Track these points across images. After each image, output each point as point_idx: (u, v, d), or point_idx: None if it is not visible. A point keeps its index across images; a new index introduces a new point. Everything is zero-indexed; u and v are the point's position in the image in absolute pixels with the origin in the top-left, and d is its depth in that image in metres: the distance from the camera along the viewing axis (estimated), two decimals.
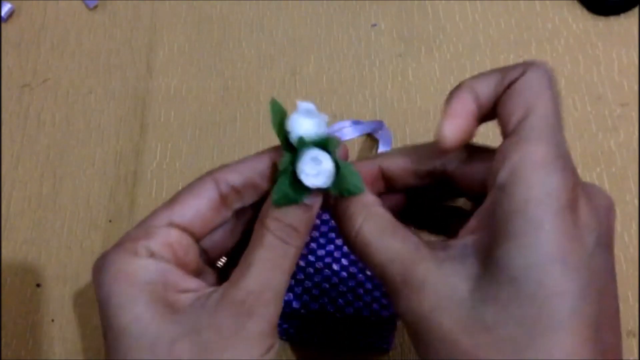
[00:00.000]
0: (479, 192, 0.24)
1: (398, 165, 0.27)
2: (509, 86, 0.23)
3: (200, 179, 0.26)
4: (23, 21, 0.54)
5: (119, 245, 0.24)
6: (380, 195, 0.26)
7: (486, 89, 0.24)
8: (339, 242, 0.37)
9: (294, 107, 0.25)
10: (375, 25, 0.51)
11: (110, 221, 0.45)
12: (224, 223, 0.27)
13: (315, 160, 0.24)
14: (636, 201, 0.42)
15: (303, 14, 0.52)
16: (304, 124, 0.24)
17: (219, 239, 0.27)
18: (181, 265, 0.25)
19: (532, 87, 0.23)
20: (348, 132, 0.46)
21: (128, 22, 0.53)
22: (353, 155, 0.46)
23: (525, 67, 0.23)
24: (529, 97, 0.22)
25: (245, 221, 0.27)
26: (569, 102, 0.46)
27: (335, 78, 0.49)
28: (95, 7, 0.54)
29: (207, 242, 0.27)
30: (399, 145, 0.46)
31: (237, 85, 0.50)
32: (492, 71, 0.24)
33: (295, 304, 0.36)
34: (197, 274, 0.26)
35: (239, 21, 0.52)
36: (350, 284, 0.36)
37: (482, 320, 0.20)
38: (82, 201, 0.46)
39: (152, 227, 0.25)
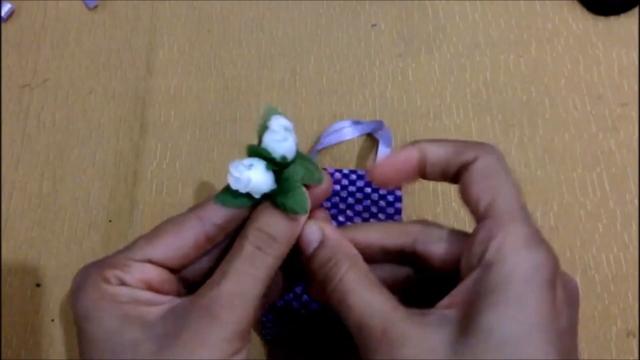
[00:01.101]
0: (447, 271, 0.26)
1: (366, 240, 0.27)
2: (466, 167, 0.25)
3: (186, 216, 0.26)
4: (23, 21, 0.54)
5: (98, 267, 0.25)
6: None
7: (436, 154, 0.26)
8: None
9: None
10: (375, 25, 0.51)
11: (110, 221, 0.45)
12: (204, 255, 0.27)
13: (244, 165, 0.25)
14: (636, 201, 0.42)
15: (303, 14, 0.52)
16: (270, 138, 0.25)
17: (201, 267, 0.28)
18: (156, 292, 0.26)
19: (492, 173, 0.25)
20: (348, 132, 0.46)
21: (128, 22, 0.53)
22: (353, 155, 0.46)
23: (478, 151, 0.25)
24: (493, 183, 0.25)
25: (227, 247, 0.28)
26: (569, 102, 0.46)
27: (335, 78, 0.49)
28: (95, 7, 0.54)
29: (188, 272, 0.27)
30: (399, 145, 0.46)
31: (237, 85, 0.50)
32: (447, 142, 0.26)
33: (295, 304, 0.36)
34: (176, 295, 0.27)
35: (239, 21, 0.52)
36: None
37: None
38: (82, 201, 0.46)
39: (129, 260, 0.25)
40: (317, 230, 0.27)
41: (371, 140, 0.46)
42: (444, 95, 0.48)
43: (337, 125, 0.46)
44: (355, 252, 0.26)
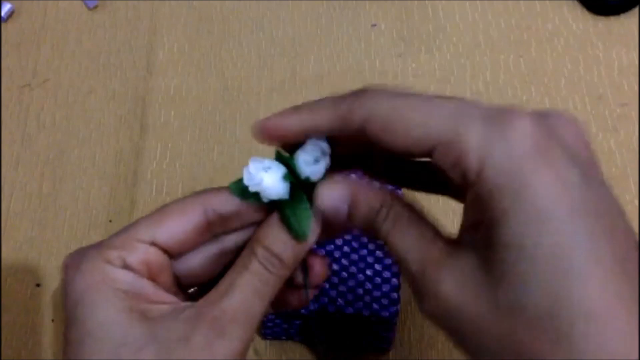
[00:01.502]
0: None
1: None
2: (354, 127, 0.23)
3: (190, 201, 0.26)
4: (23, 21, 0.54)
5: (97, 248, 0.24)
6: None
7: (318, 126, 0.24)
8: (338, 242, 0.37)
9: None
10: (375, 25, 0.51)
11: (110, 221, 0.45)
12: (200, 246, 0.26)
13: (263, 165, 0.24)
14: (636, 201, 0.42)
15: (303, 14, 0.52)
16: (303, 157, 0.24)
17: (194, 268, 0.27)
18: (153, 281, 0.25)
19: (389, 114, 0.22)
20: None
21: (128, 22, 0.53)
22: None
23: (352, 100, 0.23)
24: (399, 113, 0.22)
25: (224, 260, 0.27)
26: (569, 102, 0.46)
27: (335, 78, 0.49)
28: (95, 7, 0.54)
29: (181, 269, 0.27)
30: None
31: (237, 85, 0.50)
32: (324, 109, 0.24)
33: None
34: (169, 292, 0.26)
35: (239, 21, 0.52)
36: (350, 284, 0.36)
37: (506, 300, 0.20)
38: (82, 201, 0.46)
39: (134, 241, 0.24)
40: (343, 195, 0.25)
41: None
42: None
43: None
44: (386, 192, 0.24)
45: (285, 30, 0.52)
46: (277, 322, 0.38)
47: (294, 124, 0.24)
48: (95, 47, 0.52)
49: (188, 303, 0.24)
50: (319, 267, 0.27)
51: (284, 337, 0.39)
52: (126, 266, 0.24)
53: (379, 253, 0.37)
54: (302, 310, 0.36)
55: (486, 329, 0.20)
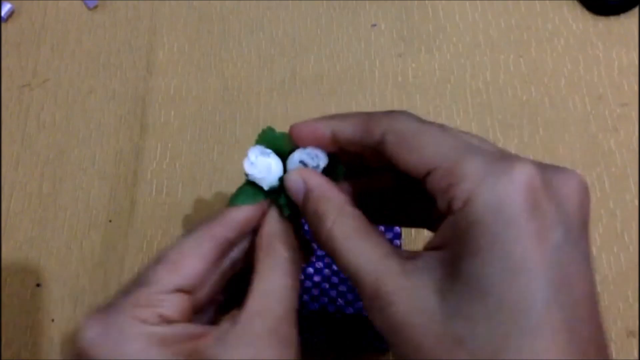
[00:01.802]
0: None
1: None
2: (382, 142, 0.24)
3: (201, 236, 0.26)
4: (23, 21, 0.54)
5: (122, 312, 0.23)
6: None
7: (344, 134, 0.25)
8: None
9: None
10: (375, 25, 0.51)
11: (110, 221, 0.45)
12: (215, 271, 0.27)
13: (263, 153, 0.27)
14: (636, 201, 0.42)
15: (303, 14, 0.52)
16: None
17: (209, 290, 0.27)
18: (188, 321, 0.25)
19: (413, 133, 0.23)
20: None
21: (128, 22, 0.53)
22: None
23: (388, 120, 0.24)
24: (420, 140, 0.23)
25: (233, 270, 0.28)
26: (569, 102, 0.46)
27: (335, 78, 0.49)
28: (95, 7, 0.54)
29: (198, 296, 0.26)
30: None
31: (237, 85, 0.50)
32: (355, 119, 0.25)
33: None
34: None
35: (239, 21, 0.52)
36: (350, 284, 0.36)
37: (455, 334, 0.20)
38: (82, 201, 0.46)
39: (160, 294, 0.24)
40: (299, 181, 0.26)
41: None
42: (444, 95, 0.48)
43: None
44: (342, 198, 0.25)
45: (285, 30, 0.52)
46: None
47: (326, 127, 0.26)
48: (95, 47, 0.52)
49: (225, 324, 0.24)
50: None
51: None
52: (164, 320, 0.23)
53: None
54: (302, 311, 0.36)
55: (430, 354, 0.20)
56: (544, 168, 0.22)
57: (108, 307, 0.24)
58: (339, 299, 0.35)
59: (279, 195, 0.26)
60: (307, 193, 0.25)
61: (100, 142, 0.48)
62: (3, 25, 0.54)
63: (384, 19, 0.51)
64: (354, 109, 0.48)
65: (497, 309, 0.19)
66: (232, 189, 0.45)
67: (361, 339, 0.38)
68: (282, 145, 0.27)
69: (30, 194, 0.47)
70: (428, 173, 0.22)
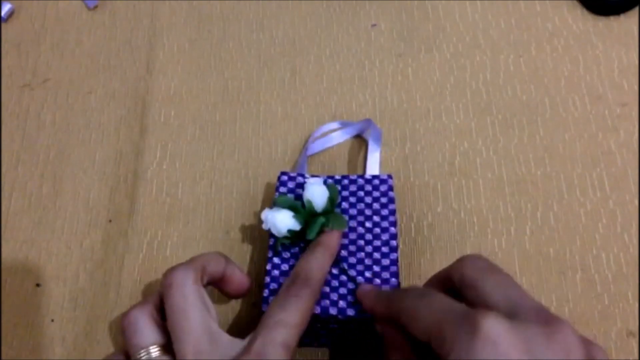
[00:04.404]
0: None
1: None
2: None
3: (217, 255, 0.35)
4: (23, 21, 0.54)
5: (191, 269, 0.33)
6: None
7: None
8: None
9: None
10: (375, 25, 0.51)
11: (110, 221, 0.45)
12: None
13: (285, 216, 0.37)
14: (636, 201, 0.42)
15: (303, 14, 0.52)
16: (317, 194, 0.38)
17: None
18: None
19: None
20: (336, 137, 0.46)
21: (128, 22, 0.53)
22: (343, 157, 0.46)
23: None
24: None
25: None
26: (569, 102, 0.46)
27: (335, 78, 0.49)
28: (95, 7, 0.54)
29: None
30: (392, 141, 0.46)
31: (237, 85, 0.50)
32: (430, 306, 0.29)
33: None
34: None
35: (239, 21, 0.53)
36: (350, 287, 0.36)
37: None
38: (82, 201, 0.46)
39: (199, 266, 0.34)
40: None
41: (360, 141, 0.46)
42: (444, 95, 0.48)
43: (325, 127, 0.46)
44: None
45: (285, 30, 0.52)
46: None
47: (372, 306, 0.34)
48: (95, 47, 0.52)
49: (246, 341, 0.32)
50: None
51: None
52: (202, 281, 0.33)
53: (376, 255, 0.37)
54: None
55: None
56: (585, 341, 0.26)
57: (185, 264, 0.34)
58: (340, 301, 0.35)
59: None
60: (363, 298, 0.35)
61: (100, 142, 0.48)
62: (3, 25, 0.54)
63: (384, 19, 0.51)
64: (354, 108, 0.48)
65: None
66: (231, 188, 0.45)
67: (362, 341, 0.38)
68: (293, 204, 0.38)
69: (30, 194, 0.47)
70: (429, 339, 0.27)
